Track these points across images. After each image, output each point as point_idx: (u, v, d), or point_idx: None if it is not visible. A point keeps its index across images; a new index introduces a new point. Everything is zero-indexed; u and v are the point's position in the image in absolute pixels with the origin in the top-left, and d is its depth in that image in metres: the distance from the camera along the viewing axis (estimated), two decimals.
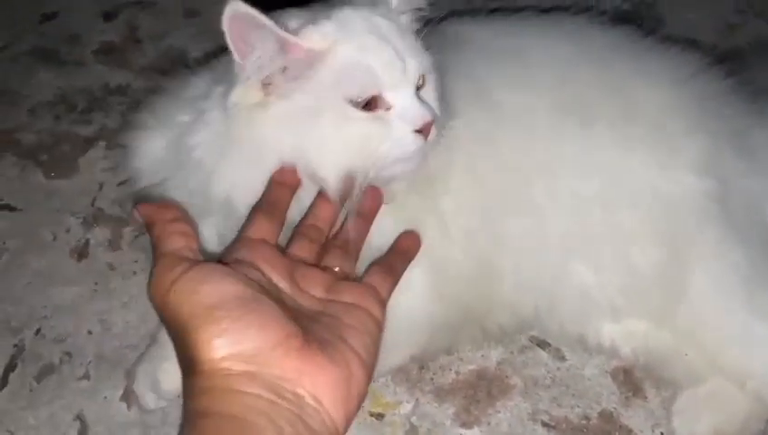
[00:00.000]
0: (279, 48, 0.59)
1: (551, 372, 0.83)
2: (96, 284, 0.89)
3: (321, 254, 0.62)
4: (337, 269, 0.60)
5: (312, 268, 0.58)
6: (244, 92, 0.62)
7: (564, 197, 0.75)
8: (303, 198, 0.64)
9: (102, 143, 1.04)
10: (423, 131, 0.62)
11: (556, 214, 0.75)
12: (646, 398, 0.81)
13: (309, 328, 0.50)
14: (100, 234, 0.94)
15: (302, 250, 0.61)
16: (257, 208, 0.61)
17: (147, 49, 1.18)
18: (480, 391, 0.81)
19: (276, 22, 0.58)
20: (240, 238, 0.58)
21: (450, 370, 0.82)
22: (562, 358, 0.84)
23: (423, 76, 0.65)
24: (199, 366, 0.45)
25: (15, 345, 0.84)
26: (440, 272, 0.72)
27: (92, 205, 0.97)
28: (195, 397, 0.46)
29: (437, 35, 0.67)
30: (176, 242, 0.52)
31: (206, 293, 0.47)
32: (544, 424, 0.78)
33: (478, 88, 0.75)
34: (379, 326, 0.55)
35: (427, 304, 0.72)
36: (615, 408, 0.80)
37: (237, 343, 0.46)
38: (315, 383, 0.47)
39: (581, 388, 0.81)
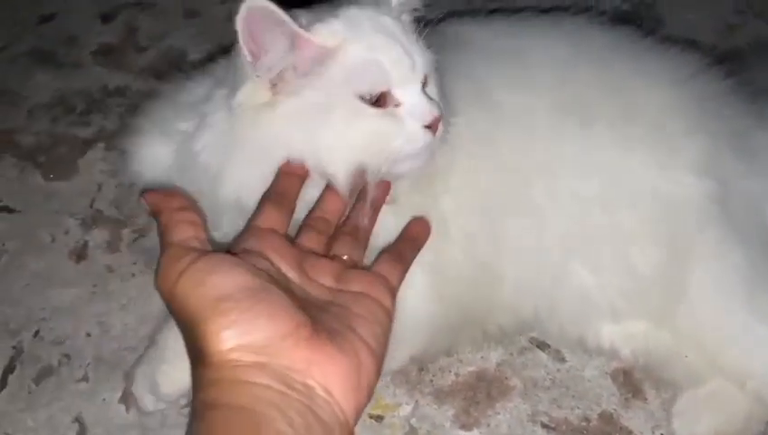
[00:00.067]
0: (292, 44, 0.59)
1: (550, 374, 0.82)
2: (95, 285, 0.89)
3: (330, 245, 0.61)
4: (346, 257, 0.60)
5: (320, 258, 0.58)
6: (252, 91, 0.62)
7: (564, 197, 0.75)
8: (309, 194, 0.64)
9: (101, 145, 1.04)
10: (432, 127, 0.63)
11: (556, 214, 0.75)
12: (646, 399, 0.80)
13: (318, 318, 0.49)
14: (98, 235, 0.94)
15: (311, 241, 0.60)
16: (266, 198, 0.61)
17: (146, 50, 1.18)
18: (480, 393, 0.81)
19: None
20: (249, 228, 0.58)
21: (450, 371, 0.82)
22: (562, 359, 0.83)
23: (425, 75, 0.65)
24: (208, 358, 0.45)
25: (14, 347, 0.84)
26: (440, 272, 0.72)
27: (91, 206, 0.97)
28: (203, 389, 0.45)
29: (437, 36, 0.67)
30: (183, 231, 0.51)
31: (214, 284, 0.47)
32: (544, 426, 0.78)
33: (478, 88, 0.75)
34: (389, 316, 0.55)
35: (428, 304, 0.72)
36: (615, 409, 0.80)
37: (246, 334, 0.45)
38: (325, 374, 0.46)
39: (581, 389, 0.81)
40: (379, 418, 0.78)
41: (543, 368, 0.83)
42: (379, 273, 0.58)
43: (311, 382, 0.46)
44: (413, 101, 0.63)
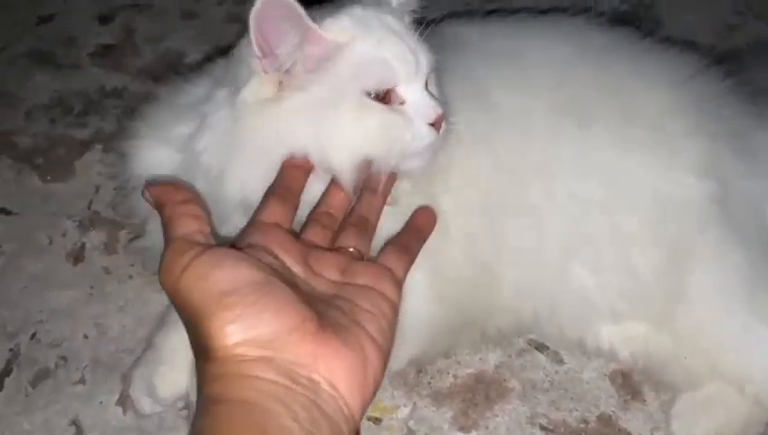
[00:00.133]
0: (303, 39, 0.59)
1: (549, 376, 0.82)
2: (92, 287, 0.89)
3: (335, 239, 0.61)
4: (352, 249, 0.59)
5: (325, 251, 0.57)
6: (259, 88, 0.62)
7: (563, 198, 0.74)
8: (312, 191, 0.63)
9: (98, 146, 1.04)
10: (435, 125, 0.63)
11: (555, 215, 0.74)
12: (644, 401, 0.80)
13: (324, 312, 0.49)
14: (96, 237, 0.94)
15: (316, 236, 0.60)
16: (270, 193, 0.60)
17: (143, 51, 1.18)
18: (478, 395, 0.80)
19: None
20: (253, 223, 0.58)
21: (448, 373, 0.82)
22: (561, 361, 0.83)
23: (428, 74, 0.65)
24: (213, 353, 0.45)
25: (11, 350, 0.83)
26: (440, 273, 0.71)
27: (88, 208, 0.97)
28: (208, 383, 0.45)
29: (436, 37, 0.67)
30: (187, 225, 0.51)
31: (218, 278, 0.46)
32: (542, 428, 0.78)
33: (476, 89, 0.75)
34: (395, 309, 0.54)
35: (428, 304, 0.72)
36: (614, 411, 0.79)
37: (251, 329, 0.45)
38: (331, 368, 0.46)
39: (580, 391, 0.81)
40: (376, 420, 0.78)
41: (542, 370, 0.83)
42: (384, 265, 0.57)
43: (316, 377, 0.45)
44: (416, 99, 0.63)
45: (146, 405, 0.76)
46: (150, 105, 0.77)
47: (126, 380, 0.79)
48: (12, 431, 0.77)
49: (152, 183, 0.55)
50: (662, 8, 1.26)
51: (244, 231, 0.57)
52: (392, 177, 0.65)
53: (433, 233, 0.67)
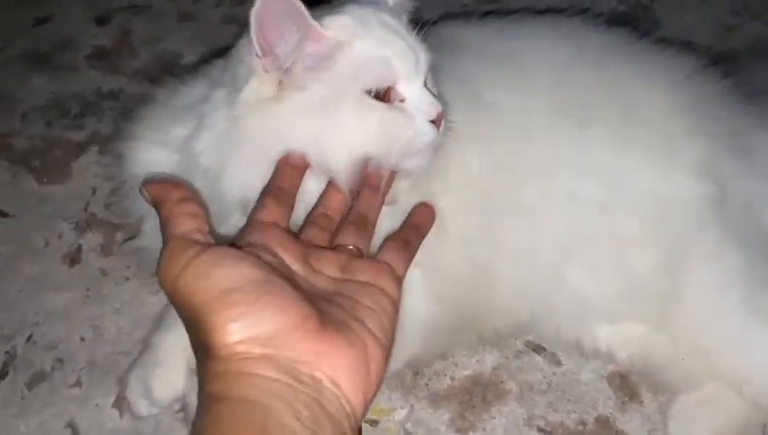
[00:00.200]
0: (304, 38, 0.59)
1: (546, 377, 0.82)
2: (88, 289, 0.89)
3: (333, 240, 0.60)
4: (351, 247, 0.59)
5: (324, 250, 0.57)
6: (259, 87, 0.61)
7: (561, 199, 0.74)
8: (307, 190, 0.63)
9: (95, 148, 1.04)
10: (436, 122, 0.63)
11: (553, 216, 0.74)
12: (642, 403, 0.80)
13: (325, 310, 0.49)
14: (92, 239, 0.94)
15: (314, 238, 0.60)
16: (266, 192, 0.60)
17: (140, 53, 1.18)
18: (475, 397, 0.80)
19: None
20: (251, 222, 0.57)
21: (445, 375, 0.82)
22: (558, 363, 0.83)
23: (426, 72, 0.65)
24: (215, 351, 0.45)
25: (7, 352, 0.83)
26: (438, 273, 0.71)
27: (85, 210, 0.97)
28: (209, 382, 0.45)
29: (433, 38, 0.67)
30: (185, 224, 0.50)
31: (219, 276, 0.46)
32: (540, 430, 0.78)
33: (474, 90, 0.75)
34: (396, 306, 0.54)
35: (426, 305, 0.72)
36: (611, 413, 0.79)
37: (254, 326, 0.45)
38: (333, 366, 0.46)
39: (577, 393, 0.81)
40: (374, 422, 0.78)
41: (539, 371, 0.82)
42: (384, 262, 0.57)
43: (318, 375, 0.45)
44: (417, 96, 0.63)
45: (142, 407, 0.76)
46: (147, 106, 0.77)
47: (122, 382, 0.78)
48: (7, 434, 0.77)
49: (150, 181, 0.54)
50: (660, 9, 1.26)
51: (243, 230, 0.57)
52: (391, 176, 0.65)
53: (430, 233, 0.67)
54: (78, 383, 0.81)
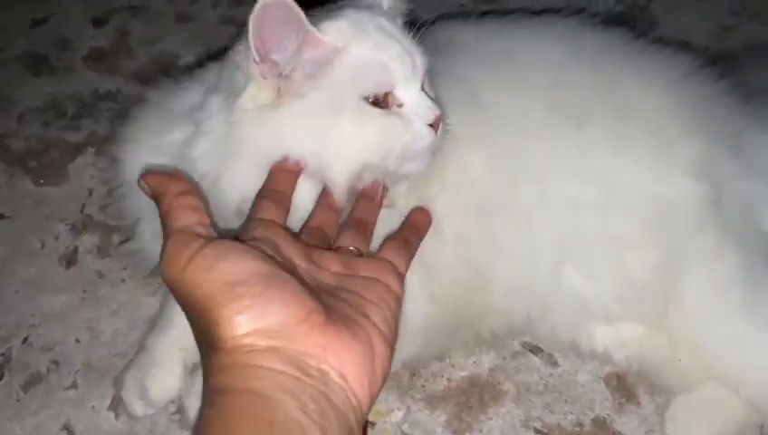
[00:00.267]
0: (302, 44, 0.59)
1: (543, 378, 0.82)
2: (84, 291, 0.89)
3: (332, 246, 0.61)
4: (351, 248, 0.59)
5: (326, 250, 0.57)
6: (257, 93, 0.61)
7: (558, 199, 0.74)
8: (300, 196, 0.63)
9: (91, 150, 1.03)
10: (434, 126, 0.63)
11: (549, 217, 0.74)
12: (639, 404, 0.80)
13: (330, 304, 0.49)
14: (88, 241, 0.93)
15: (312, 243, 0.59)
16: (261, 196, 0.60)
17: (137, 54, 1.18)
18: (472, 398, 0.80)
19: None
20: (252, 220, 0.57)
21: (442, 377, 0.82)
22: (555, 364, 0.83)
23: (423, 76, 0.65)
24: (221, 343, 0.44)
25: (3, 354, 0.83)
26: (433, 274, 0.71)
27: (81, 211, 0.96)
28: (214, 374, 0.45)
29: (429, 38, 0.67)
30: (186, 217, 0.50)
31: (224, 269, 0.46)
32: (537, 431, 0.78)
33: (471, 91, 0.74)
34: (399, 301, 0.54)
35: (422, 305, 0.72)
36: (608, 414, 0.79)
37: (260, 319, 0.45)
38: (340, 360, 0.46)
39: (574, 394, 0.81)
40: (370, 424, 0.78)
41: (536, 373, 0.82)
42: (386, 259, 0.57)
43: (326, 368, 0.45)
44: (415, 101, 0.63)
45: (138, 408, 0.76)
46: (142, 109, 0.76)
47: (118, 382, 0.78)
48: None
49: (149, 173, 0.54)
50: (657, 9, 1.25)
51: (245, 227, 0.57)
52: (388, 183, 0.65)
53: (427, 233, 0.67)
54: (74, 385, 0.80)
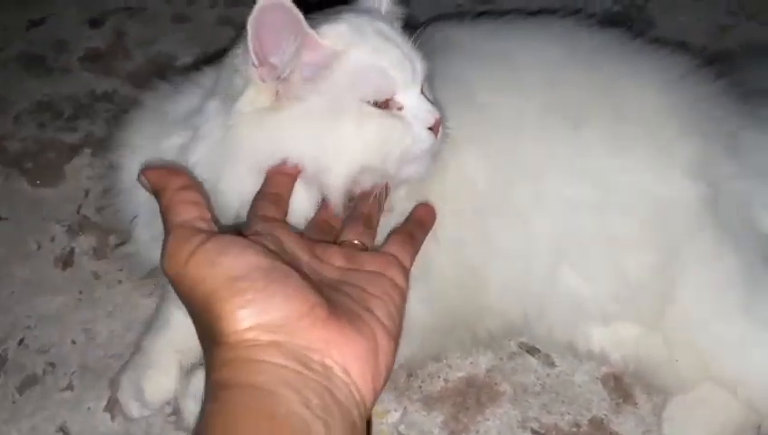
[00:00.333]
0: (301, 47, 0.58)
1: (540, 379, 0.82)
2: (81, 293, 0.88)
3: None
4: (356, 242, 0.59)
5: (330, 245, 0.57)
6: (255, 97, 0.61)
7: (554, 200, 0.74)
8: (296, 201, 0.63)
9: (88, 151, 1.03)
10: (434, 129, 0.63)
11: (545, 217, 0.74)
12: (636, 404, 0.80)
13: (333, 299, 0.48)
14: (85, 242, 0.93)
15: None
16: (259, 198, 0.60)
17: (134, 55, 1.18)
18: (469, 399, 0.80)
19: None
20: (253, 217, 0.57)
21: (439, 377, 0.81)
22: (552, 364, 0.83)
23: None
24: (224, 338, 0.44)
25: None
26: (430, 275, 0.71)
27: (78, 213, 0.96)
28: (216, 369, 0.44)
29: (426, 39, 0.67)
30: (187, 212, 0.50)
31: (227, 264, 0.46)
32: (534, 432, 0.78)
33: (468, 92, 0.74)
34: (403, 296, 0.54)
35: (420, 306, 0.71)
36: (605, 414, 0.79)
37: (263, 313, 0.45)
38: (343, 354, 0.46)
39: (571, 394, 0.80)
40: None
41: (533, 373, 0.82)
42: (391, 253, 0.57)
43: (329, 362, 0.45)
44: (415, 104, 0.63)
45: (134, 409, 0.76)
46: (138, 114, 0.76)
47: (114, 383, 0.78)
48: None
49: (149, 168, 0.54)
50: (654, 9, 1.25)
51: (247, 223, 0.56)
52: (387, 186, 0.65)
53: None
54: (70, 387, 0.80)
